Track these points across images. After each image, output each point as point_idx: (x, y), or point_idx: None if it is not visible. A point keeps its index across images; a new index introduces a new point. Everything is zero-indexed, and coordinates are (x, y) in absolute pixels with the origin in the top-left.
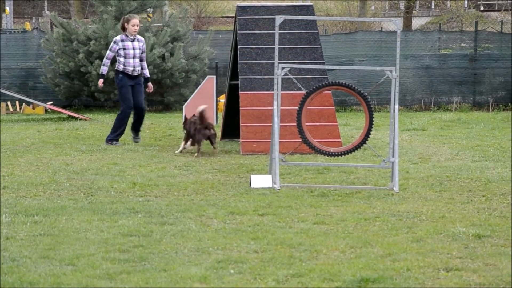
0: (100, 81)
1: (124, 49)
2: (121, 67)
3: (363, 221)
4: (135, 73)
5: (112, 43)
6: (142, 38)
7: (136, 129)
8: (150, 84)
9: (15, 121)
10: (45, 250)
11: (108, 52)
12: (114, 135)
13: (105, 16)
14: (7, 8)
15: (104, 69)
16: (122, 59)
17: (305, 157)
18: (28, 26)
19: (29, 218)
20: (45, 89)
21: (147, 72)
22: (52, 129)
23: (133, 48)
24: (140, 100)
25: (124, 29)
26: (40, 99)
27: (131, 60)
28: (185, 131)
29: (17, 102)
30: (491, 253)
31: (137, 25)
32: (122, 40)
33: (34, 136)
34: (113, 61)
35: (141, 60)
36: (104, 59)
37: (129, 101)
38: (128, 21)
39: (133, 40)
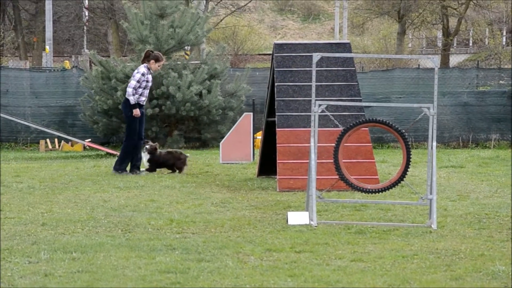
0: (137, 110)
1: (147, 81)
2: (136, 98)
3: (401, 258)
4: (144, 103)
5: (140, 75)
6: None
7: (137, 166)
8: None
9: (54, 158)
10: (83, 287)
11: (135, 83)
12: (121, 166)
13: (143, 54)
14: (47, 47)
15: (136, 98)
16: (141, 90)
17: (342, 194)
18: (67, 64)
19: (68, 255)
20: (84, 126)
21: None
22: (90, 166)
23: (151, 81)
24: (143, 131)
25: (146, 61)
26: (79, 136)
27: (146, 91)
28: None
29: (56, 140)
30: None
31: (161, 66)
32: (147, 73)
33: (72, 173)
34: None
35: None
36: (131, 89)
37: (136, 137)
38: (158, 60)
39: (150, 73)
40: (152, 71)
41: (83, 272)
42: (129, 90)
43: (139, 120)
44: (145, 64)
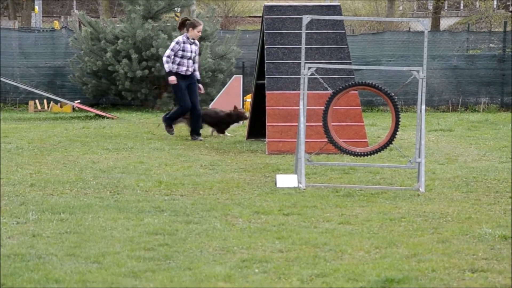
0: (173, 78)
1: (183, 50)
2: (175, 68)
3: (388, 221)
4: (188, 73)
5: (174, 44)
6: (198, 42)
7: (196, 131)
8: (201, 85)
9: (43, 119)
10: (71, 247)
11: (169, 51)
12: (167, 119)
13: (133, 15)
14: (36, 7)
15: (171, 66)
16: (178, 59)
17: (331, 157)
18: (56, 25)
19: (56, 215)
20: (73, 87)
21: (198, 75)
22: (79, 128)
23: (191, 51)
24: (195, 100)
25: (182, 29)
26: (68, 97)
27: (185, 61)
28: None
29: (45, 101)
30: None
31: (201, 31)
32: (184, 42)
33: (61, 135)
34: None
35: (194, 62)
36: (166, 57)
37: (187, 102)
38: (194, 26)
39: (191, 43)
40: (191, 39)
41: (71, 233)
42: (163, 58)
43: (191, 89)
44: (185, 34)
